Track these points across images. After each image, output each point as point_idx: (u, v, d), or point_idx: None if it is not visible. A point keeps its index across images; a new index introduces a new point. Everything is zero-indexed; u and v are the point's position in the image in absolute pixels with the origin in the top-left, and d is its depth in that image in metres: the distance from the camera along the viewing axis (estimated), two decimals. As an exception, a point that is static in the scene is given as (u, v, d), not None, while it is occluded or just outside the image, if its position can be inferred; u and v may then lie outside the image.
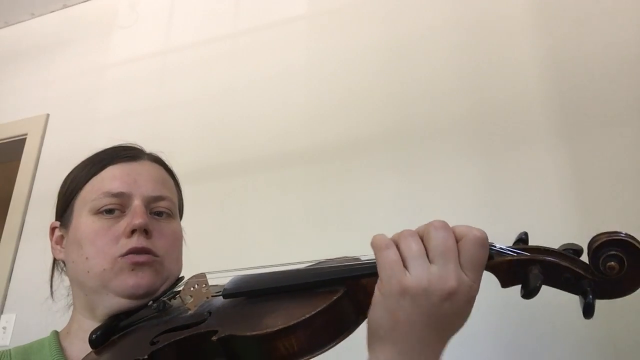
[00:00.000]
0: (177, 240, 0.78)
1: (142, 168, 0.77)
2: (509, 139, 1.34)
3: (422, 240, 0.51)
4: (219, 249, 1.48)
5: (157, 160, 0.82)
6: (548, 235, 1.21)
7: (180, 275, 0.78)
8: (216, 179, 1.64)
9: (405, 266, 0.49)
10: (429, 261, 0.49)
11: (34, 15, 2.40)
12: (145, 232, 0.71)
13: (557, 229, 1.21)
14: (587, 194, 1.22)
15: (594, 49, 1.32)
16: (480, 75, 1.43)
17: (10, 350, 0.73)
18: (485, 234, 0.50)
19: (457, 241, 0.50)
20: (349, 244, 1.40)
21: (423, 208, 1.36)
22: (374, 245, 0.52)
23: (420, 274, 0.48)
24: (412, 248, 0.50)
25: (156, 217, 0.75)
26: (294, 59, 1.72)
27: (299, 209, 1.50)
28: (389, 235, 0.54)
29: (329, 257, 0.68)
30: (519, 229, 1.31)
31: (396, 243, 0.51)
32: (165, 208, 0.76)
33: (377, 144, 1.48)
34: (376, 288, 0.51)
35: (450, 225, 0.52)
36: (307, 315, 0.50)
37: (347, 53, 1.64)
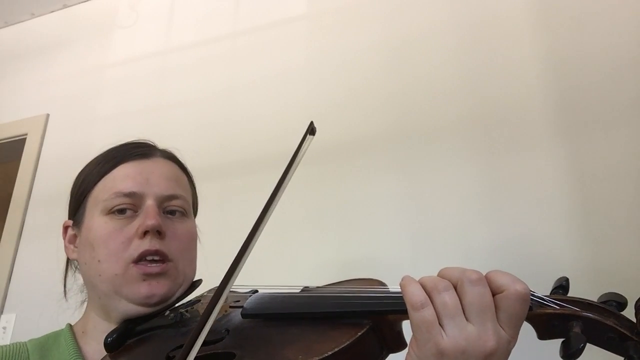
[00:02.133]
0: (191, 240, 0.76)
1: (154, 166, 0.75)
2: (509, 138, 1.34)
3: (456, 291, 0.47)
4: (219, 249, 1.48)
5: (171, 157, 0.80)
6: (549, 234, 1.21)
7: (196, 279, 0.77)
8: (216, 179, 1.64)
9: (440, 324, 0.46)
10: (465, 318, 0.46)
11: (34, 15, 2.40)
12: (159, 233, 0.69)
13: (558, 229, 1.21)
14: (587, 194, 1.22)
15: (594, 49, 1.32)
16: (480, 75, 1.43)
17: (26, 343, 0.72)
18: (528, 288, 0.47)
19: (495, 293, 0.47)
20: (349, 244, 1.40)
21: (423, 208, 1.36)
22: (408, 302, 0.48)
23: (457, 335, 0.45)
24: (448, 305, 0.46)
25: (169, 216, 0.73)
26: (294, 59, 1.72)
27: (299, 209, 1.50)
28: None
29: (351, 273, 0.65)
30: (519, 229, 1.31)
31: (429, 295, 0.48)
32: (179, 207, 0.74)
33: (377, 143, 1.48)
34: (410, 348, 0.48)
35: (487, 271, 0.48)
36: (330, 352, 0.47)
37: (347, 53, 1.64)
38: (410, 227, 1.35)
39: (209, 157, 1.69)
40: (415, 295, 0.47)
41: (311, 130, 0.62)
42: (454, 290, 0.47)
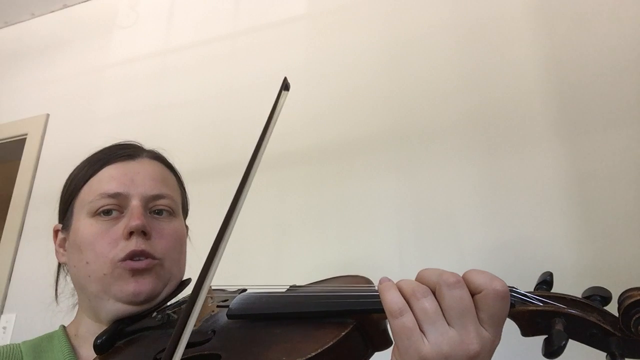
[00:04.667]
0: (178, 240, 0.75)
1: (140, 167, 0.75)
2: (508, 138, 1.34)
3: (435, 296, 0.47)
4: (219, 249, 1.48)
5: (157, 158, 0.80)
6: (549, 235, 1.21)
7: (185, 278, 0.76)
8: (216, 179, 1.64)
9: (421, 330, 0.45)
10: (446, 322, 0.45)
11: (34, 15, 2.40)
12: (144, 233, 0.69)
13: (557, 229, 1.21)
14: (587, 194, 1.21)
15: (594, 49, 1.32)
16: (480, 75, 1.43)
17: (20, 345, 0.72)
18: (506, 285, 0.46)
19: (474, 293, 0.46)
20: (348, 244, 1.40)
21: (423, 208, 1.36)
22: (387, 309, 0.47)
23: (439, 340, 0.44)
24: (428, 311, 0.45)
25: (156, 216, 0.73)
26: (294, 59, 1.72)
27: (298, 209, 1.50)
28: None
29: (339, 269, 0.65)
30: (518, 229, 1.31)
31: (407, 300, 0.47)
32: (166, 206, 0.74)
33: (377, 144, 1.48)
34: (392, 355, 0.48)
35: (465, 271, 0.48)
36: (314, 353, 0.47)
37: (347, 53, 1.64)
38: (409, 227, 1.35)
39: (208, 158, 1.69)
40: (393, 303, 0.47)
41: (285, 85, 0.61)
42: (432, 295, 0.47)
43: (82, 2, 2.32)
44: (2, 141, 2.15)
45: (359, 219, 1.41)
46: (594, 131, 1.26)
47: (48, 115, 2.11)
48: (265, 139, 0.58)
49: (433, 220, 1.33)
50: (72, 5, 2.34)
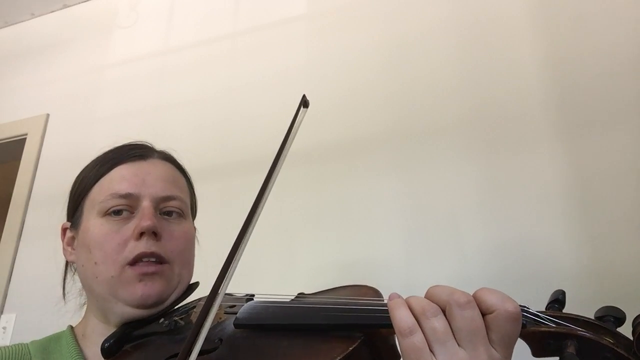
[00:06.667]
0: (188, 241, 0.75)
1: (151, 167, 0.75)
2: (509, 138, 1.34)
3: (445, 315, 0.46)
4: (219, 249, 1.47)
5: (168, 159, 0.80)
6: (549, 234, 1.21)
7: (193, 282, 0.76)
8: (216, 179, 1.64)
9: (431, 350, 0.45)
10: (457, 343, 0.45)
11: (34, 15, 2.41)
12: (154, 234, 0.69)
13: (557, 229, 1.21)
14: (587, 194, 1.22)
15: (594, 49, 1.32)
16: (480, 75, 1.43)
17: (28, 345, 0.72)
18: (518, 307, 0.45)
19: (485, 313, 0.46)
20: (349, 244, 1.40)
21: (423, 208, 1.36)
22: (396, 327, 0.46)
23: None
24: (438, 331, 0.45)
25: (166, 217, 0.73)
26: (294, 59, 1.72)
27: (299, 209, 1.50)
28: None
29: (350, 279, 0.64)
30: (518, 229, 1.31)
31: (417, 319, 0.46)
32: (176, 208, 0.74)
33: (377, 143, 1.48)
34: None
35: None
36: None
37: (347, 53, 1.64)
38: (410, 228, 1.35)
39: (209, 157, 1.69)
40: (403, 321, 0.46)
41: (304, 102, 0.62)
42: (442, 314, 0.46)
43: (82, 2, 2.32)
44: (2, 141, 2.15)
45: (359, 219, 1.41)
46: (594, 131, 1.26)
47: (48, 115, 2.11)
48: (283, 155, 0.59)
49: (433, 220, 1.33)
50: (72, 5, 2.34)
